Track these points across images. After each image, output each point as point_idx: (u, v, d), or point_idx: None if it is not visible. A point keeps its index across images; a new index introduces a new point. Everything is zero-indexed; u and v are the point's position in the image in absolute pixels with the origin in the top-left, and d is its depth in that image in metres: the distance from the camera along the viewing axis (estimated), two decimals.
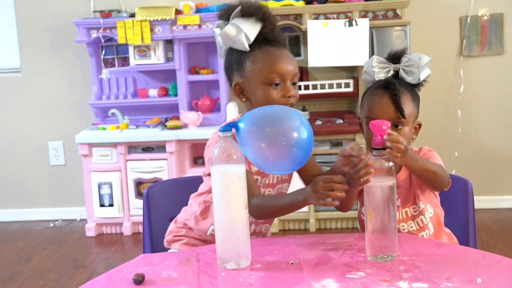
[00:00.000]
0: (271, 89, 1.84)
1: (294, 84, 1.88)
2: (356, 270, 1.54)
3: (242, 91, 1.90)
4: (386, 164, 1.61)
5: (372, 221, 1.62)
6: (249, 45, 1.85)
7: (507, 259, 1.59)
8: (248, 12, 1.85)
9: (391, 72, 1.89)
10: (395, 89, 1.82)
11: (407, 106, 1.84)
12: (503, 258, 1.60)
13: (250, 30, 1.84)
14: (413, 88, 1.90)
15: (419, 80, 1.87)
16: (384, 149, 1.62)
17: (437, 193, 1.91)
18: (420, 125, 1.92)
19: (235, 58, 1.90)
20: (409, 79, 1.87)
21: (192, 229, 1.97)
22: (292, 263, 1.60)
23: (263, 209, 1.79)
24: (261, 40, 1.87)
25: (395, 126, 1.83)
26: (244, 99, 1.91)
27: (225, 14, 1.89)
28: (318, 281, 1.47)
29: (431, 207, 1.87)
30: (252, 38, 1.84)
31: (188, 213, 2.01)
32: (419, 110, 1.92)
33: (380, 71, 1.89)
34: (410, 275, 1.49)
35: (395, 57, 1.91)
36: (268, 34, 1.87)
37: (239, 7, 1.86)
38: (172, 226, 2.04)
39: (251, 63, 1.86)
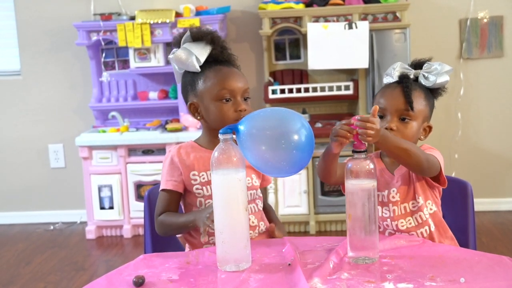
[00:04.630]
0: (223, 104, 1.92)
1: (245, 99, 1.95)
2: (340, 271, 1.55)
3: (196, 110, 1.98)
4: (367, 166, 1.62)
5: (352, 223, 1.63)
6: (201, 66, 1.93)
7: (487, 257, 1.61)
8: (197, 37, 1.94)
9: (411, 77, 1.92)
10: (408, 82, 1.87)
11: (418, 101, 1.87)
12: (483, 256, 1.62)
13: (200, 52, 1.93)
14: (429, 91, 1.93)
15: (435, 83, 1.89)
16: (365, 151, 1.63)
17: (437, 193, 1.90)
18: (430, 127, 1.94)
19: (189, 80, 1.98)
20: (426, 81, 1.91)
21: None
22: (289, 264, 1.61)
23: (164, 226, 1.92)
24: (212, 61, 1.95)
25: (402, 119, 1.85)
26: (199, 118, 1.98)
27: (177, 42, 1.98)
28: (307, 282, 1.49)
29: (432, 204, 1.87)
30: (202, 59, 1.93)
31: None
32: (431, 113, 1.93)
33: (400, 75, 1.93)
34: (394, 276, 1.51)
35: (417, 65, 1.96)
36: (218, 55, 1.96)
37: (188, 32, 1.94)
38: None
39: (203, 82, 1.94)
